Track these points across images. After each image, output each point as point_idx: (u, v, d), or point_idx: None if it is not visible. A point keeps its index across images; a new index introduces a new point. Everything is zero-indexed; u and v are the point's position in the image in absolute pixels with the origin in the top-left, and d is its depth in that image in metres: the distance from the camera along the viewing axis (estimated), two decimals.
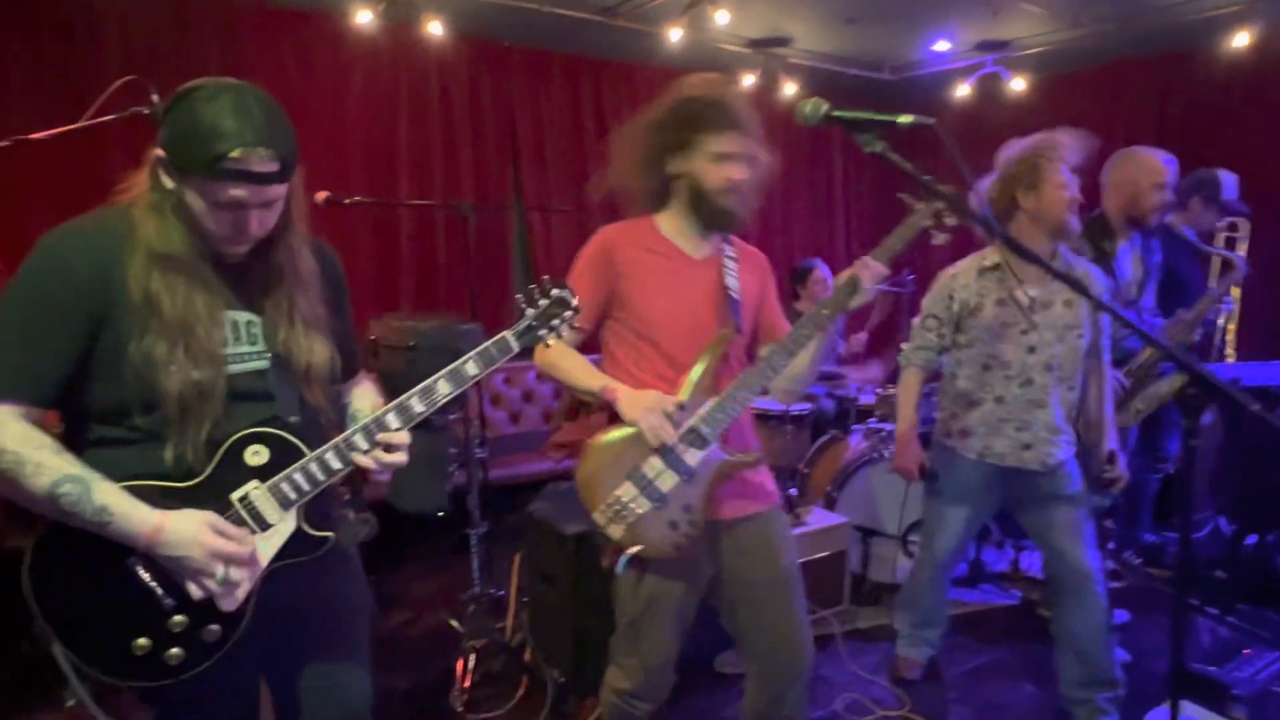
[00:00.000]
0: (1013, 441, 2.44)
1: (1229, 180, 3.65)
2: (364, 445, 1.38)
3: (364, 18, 3.87)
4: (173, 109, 1.23)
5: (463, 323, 2.82)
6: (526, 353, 1.54)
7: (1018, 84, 4.98)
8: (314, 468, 1.35)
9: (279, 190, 1.28)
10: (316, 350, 1.42)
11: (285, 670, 1.50)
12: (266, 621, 1.38)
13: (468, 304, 3.61)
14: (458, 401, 2.18)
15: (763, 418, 3.48)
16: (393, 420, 1.39)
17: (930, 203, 1.80)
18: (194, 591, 1.27)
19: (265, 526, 1.34)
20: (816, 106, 1.44)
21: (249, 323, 1.37)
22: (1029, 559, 3.62)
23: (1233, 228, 3.76)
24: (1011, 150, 2.44)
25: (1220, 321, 3.66)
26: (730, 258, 1.96)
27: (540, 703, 2.62)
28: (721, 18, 3.98)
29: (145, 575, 1.27)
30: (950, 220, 1.80)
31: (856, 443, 3.67)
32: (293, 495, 1.35)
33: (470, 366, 1.43)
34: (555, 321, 1.50)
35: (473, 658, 2.75)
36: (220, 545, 1.25)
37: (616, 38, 4.46)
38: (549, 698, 2.63)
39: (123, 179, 1.31)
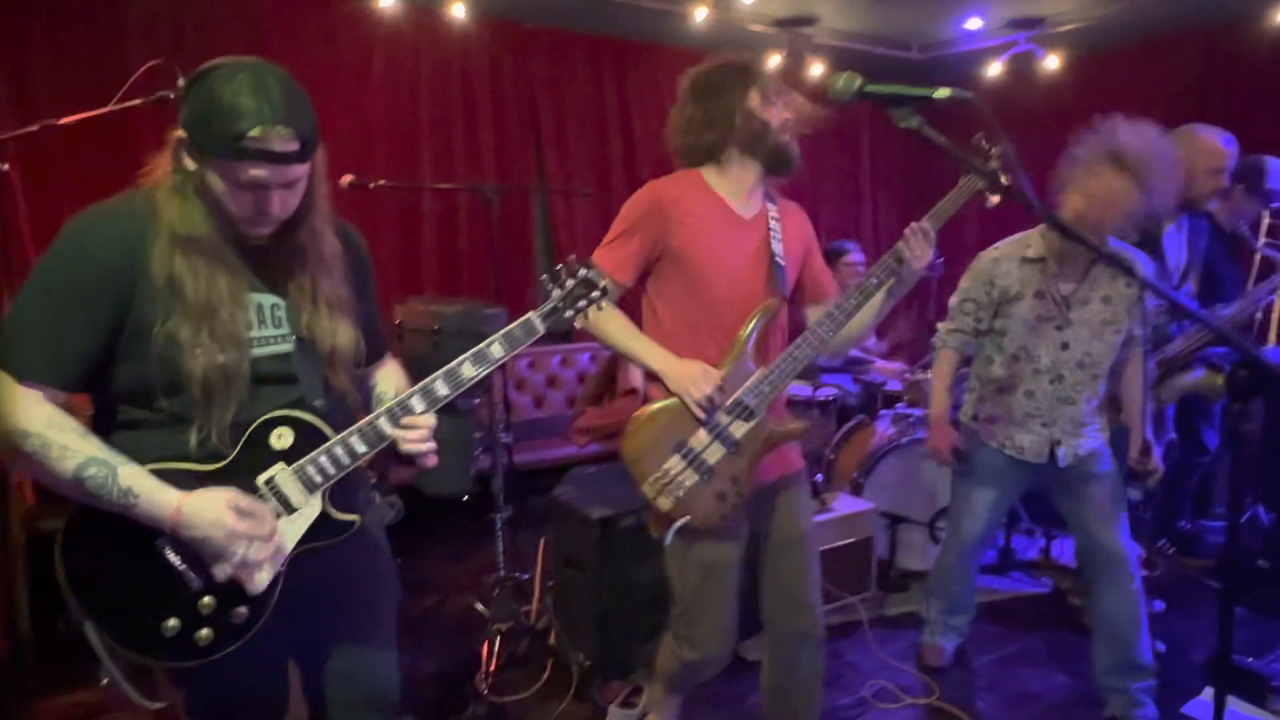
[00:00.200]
0: (1038, 437, 2.40)
1: (1276, 167, 3.52)
2: (389, 429, 1.37)
3: (386, 1, 3.85)
4: (192, 89, 1.22)
5: (487, 306, 2.81)
6: (551, 337, 1.52)
7: (1051, 62, 4.86)
8: (339, 451, 1.35)
9: (300, 170, 1.27)
10: (340, 333, 1.41)
11: (314, 652, 1.50)
12: (294, 604, 1.38)
13: (491, 287, 3.61)
14: (482, 385, 2.18)
15: (788, 403, 3.45)
16: (418, 403, 1.38)
17: (986, 161, 1.74)
18: (219, 572, 1.27)
19: (291, 510, 1.34)
20: (849, 81, 1.39)
21: (274, 306, 1.36)
22: (1060, 547, 3.57)
23: (1276, 215, 3.63)
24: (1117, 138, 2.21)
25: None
26: (774, 218, 1.93)
27: (565, 686, 2.63)
28: None
29: (173, 557, 1.27)
30: (1005, 180, 1.74)
31: (884, 428, 3.62)
32: (318, 479, 1.34)
33: (495, 349, 1.41)
34: (582, 303, 1.47)
35: (498, 641, 2.76)
36: (240, 526, 1.25)
37: (640, 18, 4.40)
38: (574, 681, 2.63)
39: (148, 163, 1.31)
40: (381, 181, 2.78)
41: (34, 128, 2.12)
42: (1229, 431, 1.22)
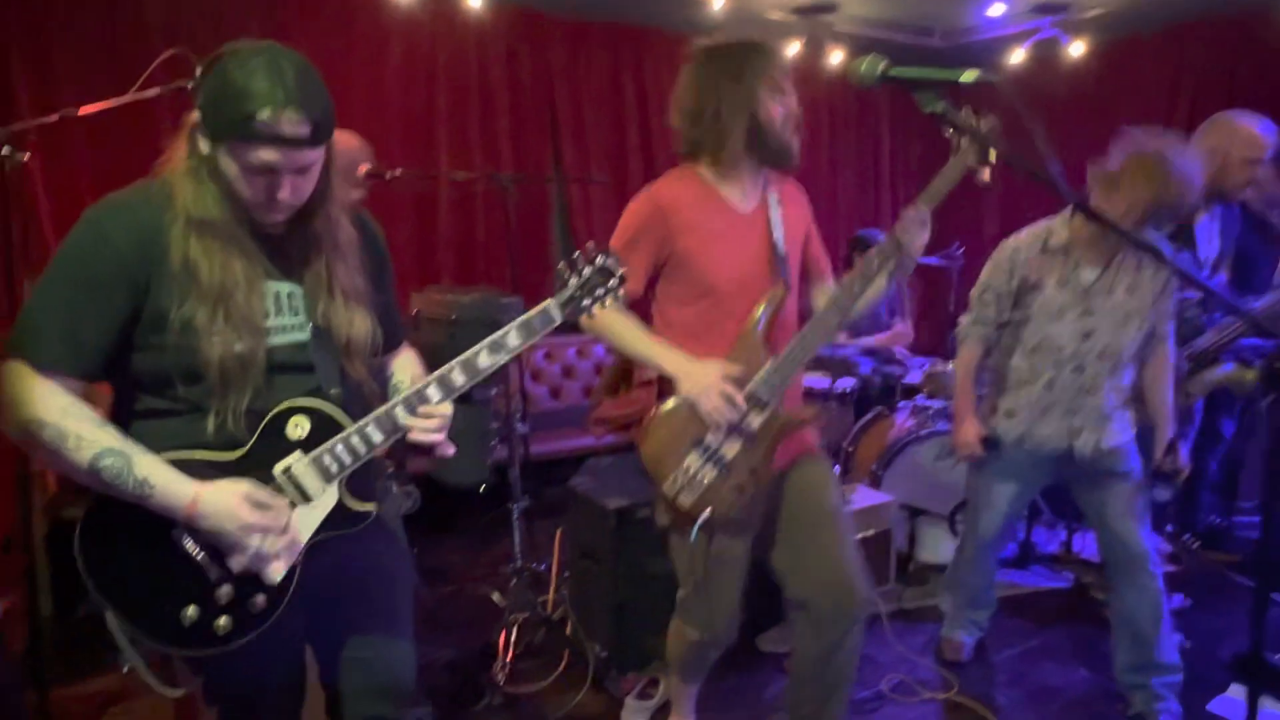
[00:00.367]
0: (1060, 427, 2.36)
1: None
2: (405, 417, 1.36)
3: None
4: (208, 72, 1.21)
5: (503, 296, 2.80)
6: (567, 327, 1.50)
7: (1077, 48, 4.78)
8: (355, 440, 1.34)
9: (312, 156, 1.25)
10: (357, 322, 1.40)
11: (331, 641, 1.50)
12: (312, 593, 1.38)
13: (508, 277, 3.59)
14: (499, 376, 2.17)
15: (806, 394, 3.42)
16: (434, 392, 1.37)
17: (973, 140, 1.70)
18: (235, 563, 1.27)
19: (308, 499, 1.33)
20: (873, 65, 1.36)
21: (290, 294, 1.36)
22: (1081, 540, 3.52)
23: None
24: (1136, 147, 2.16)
25: None
26: (773, 204, 1.92)
27: (582, 676, 2.62)
28: None
29: (191, 546, 1.27)
30: (994, 158, 1.72)
31: (903, 420, 3.58)
32: (334, 468, 1.34)
33: (512, 337, 1.39)
34: (599, 291, 1.44)
35: (514, 631, 2.76)
36: (254, 518, 1.25)
37: (657, 5, 4.36)
38: (590, 672, 2.63)
39: (166, 150, 1.30)
40: (398, 171, 2.77)
41: (53, 117, 2.11)
42: (1271, 426, 1.18)
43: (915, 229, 1.80)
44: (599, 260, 1.44)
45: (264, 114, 1.17)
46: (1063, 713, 2.50)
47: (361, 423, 1.35)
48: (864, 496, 3.15)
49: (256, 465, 1.29)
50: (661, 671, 2.52)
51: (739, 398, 1.75)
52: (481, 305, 2.72)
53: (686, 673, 2.19)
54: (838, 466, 3.44)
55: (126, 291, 1.22)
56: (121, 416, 1.28)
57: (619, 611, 2.62)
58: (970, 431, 2.49)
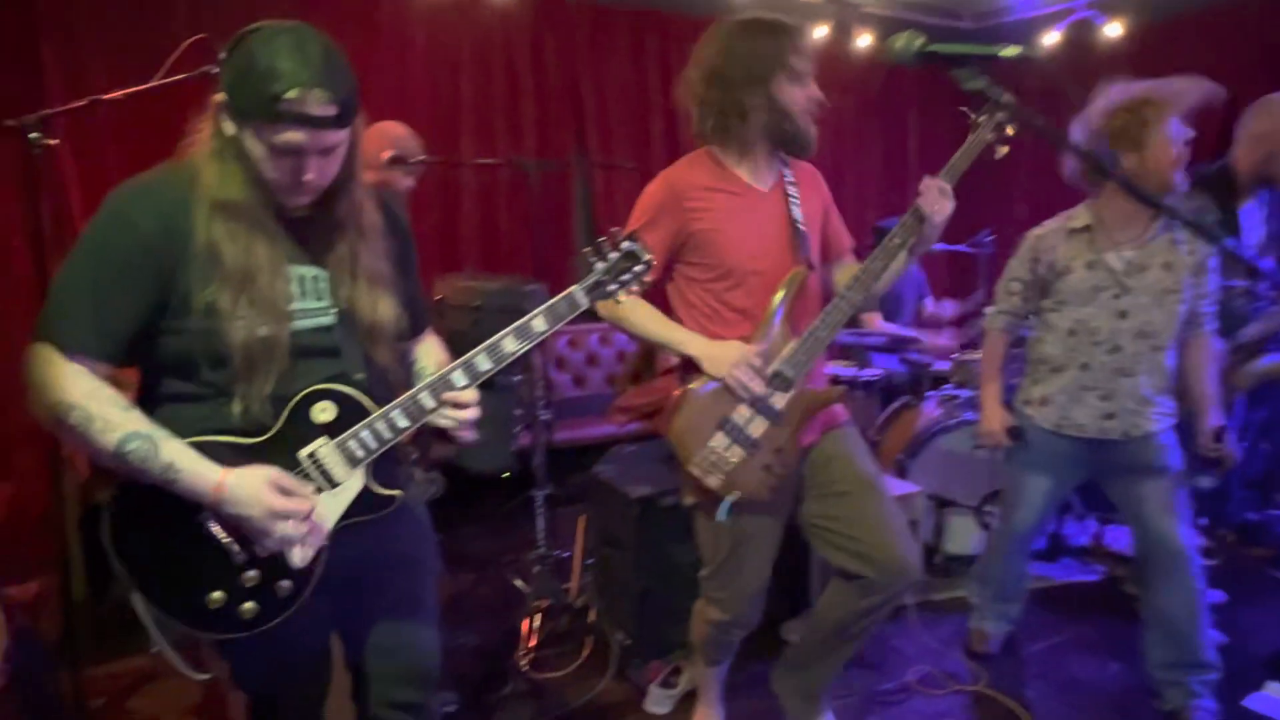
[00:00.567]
0: (1095, 411, 2.30)
1: None
2: (430, 403, 1.35)
3: None
4: (233, 52, 1.20)
5: (527, 283, 2.79)
6: (590, 315, 1.48)
7: (1113, 30, 4.65)
8: (381, 426, 1.33)
9: (337, 137, 1.24)
10: (381, 307, 1.39)
11: (356, 626, 1.50)
12: (338, 578, 1.38)
13: (530, 264, 3.58)
14: (523, 363, 2.17)
15: (831, 381, 3.38)
16: (459, 377, 1.36)
17: (993, 114, 1.69)
18: (261, 547, 1.27)
19: (333, 484, 1.33)
20: (910, 41, 1.32)
21: (315, 278, 1.35)
22: (1113, 534, 3.45)
23: None
24: (1112, 100, 2.22)
25: None
26: (791, 183, 1.90)
27: (604, 663, 2.62)
28: None
29: (218, 530, 1.27)
30: (1011, 131, 1.71)
31: (931, 409, 3.53)
32: (360, 453, 1.33)
33: (538, 322, 1.38)
34: (625, 276, 1.43)
35: (537, 618, 2.76)
36: (281, 504, 1.24)
37: None
38: (613, 659, 2.62)
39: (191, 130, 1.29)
40: (421, 157, 2.76)
41: (82, 102, 2.12)
42: None
43: (938, 199, 1.76)
44: (625, 245, 1.42)
45: (291, 94, 1.16)
46: (1094, 708, 2.46)
47: (387, 408, 1.34)
48: (890, 486, 3.10)
49: (282, 450, 1.29)
50: (685, 660, 2.51)
51: (762, 366, 1.75)
52: (505, 292, 2.72)
53: (711, 654, 2.18)
54: None
55: (152, 274, 1.22)
56: (148, 401, 1.28)
57: (642, 600, 2.61)
58: (995, 421, 2.45)
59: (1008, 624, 2.74)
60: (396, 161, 2.60)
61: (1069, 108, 1.54)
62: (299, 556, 1.29)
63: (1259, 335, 2.66)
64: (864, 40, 4.83)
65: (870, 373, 3.69)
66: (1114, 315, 2.25)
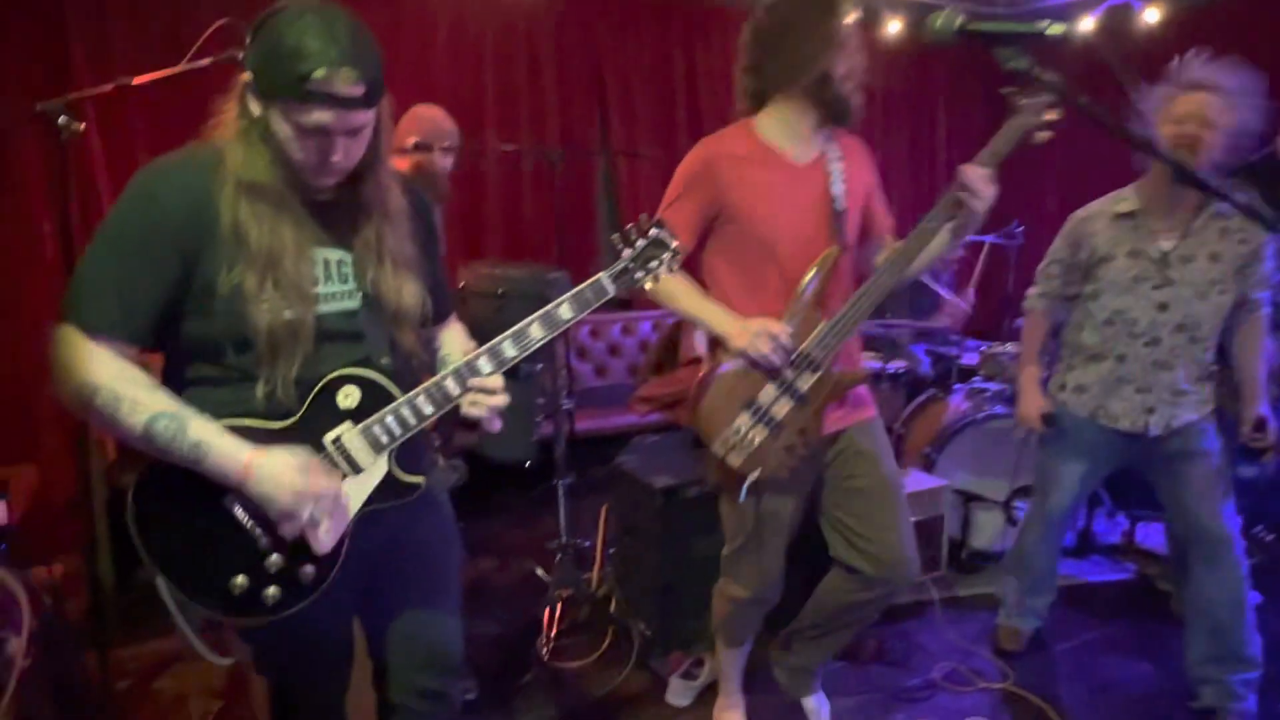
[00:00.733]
0: (1132, 404, 2.25)
1: None
2: (456, 390, 1.34)
3: None
4: (259, 31, 1.18)
5: (550, 270, 2.77)
6: (612, 304, 1.46)
7: (1151, 15, 4.53)
8: (405, 411, 1.32)
9: (365, 117, 1.22)
10: (406, 291, 1.37)
11: (379, 613, 1.50)
12: (361, 565, 1.37)
13: (554, 252, 3.56)
14: (545, 352, 2.15)
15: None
16: (485, 364, 1.35)
17: (1038, 95, 1.63)
18: (285, 531, 1.26)
19: (357, 470, 1.31)
20: (950, 19, 1.27)
21: (339, 261, 1.33)
22: (1144, 531, 3.38)
23: None
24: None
25: None
26: (835, 158, 1.86)
27: (625, 654, 2.61)
28: None
29: (242, 514, 1.26)
30: (1055, 116, 1.66)
31: (958, 402, 3.47)
32: (384, 439, 1.32)
33: (564, 310, 1.36)
34: (653, 264, 1.41)
35: (559, 607, 2.75)
36: (307, 488, 1.23)
37: None
38: (634, 649, 2.61)
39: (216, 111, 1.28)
40: (449, 142, 2.74)
41: (109, 87, 2.12)
42: None
43: (978, 184, 1.71)
44: (652, 232, 1.41)
45: (318, 73, 1.14)
46: (1125, 709, 2.41)
47: (412, 394, 1.33)
48: (915, 480, 3.07)
49: (306, 434, 1.28)
50: (707, 651, 2.49)
51: (785, 337, 1.74)
52: (529, 279, 2.70)
53: (732, 635, 2.16)
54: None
55: (176, 254, 1.21)
56: (172, 385, 1.27)
57: (664, 590, 2.59)
58: (1033, 406, 2.40)
59: (1036, 621, 2.69)
60: (420, 148, 2.58)
61: (1113, 91, 1.49)
62: (323, 542, 1.28)
63: None
64: (894, 27, 4.75)
65: (895, 365, 3.64)
66: (1154, 307, 2.19)
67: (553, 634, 2.68)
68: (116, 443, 2.88)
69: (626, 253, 1.39)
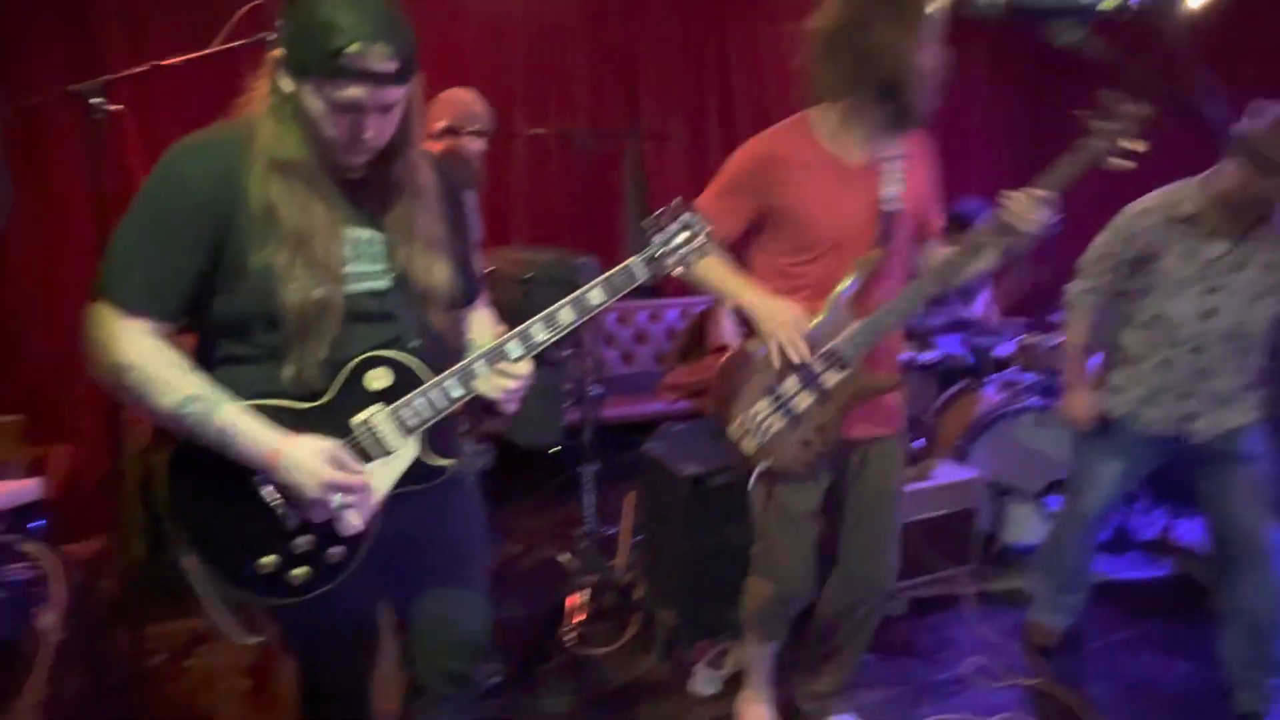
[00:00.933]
0: (1171, 412, 2.18)
1: None
2: (484, 373, 1.32)
3: None
4: (290, 6, 1.16)
5: (578, 256, 2.75)
6: (639, 291, 1.43)
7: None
8: (435, 394, 1.31)
9: (397, 94, 1.21)
10: (436, 271, 1.36)
11: (407, 595, 1.50)
12: (389, 547, 1.37)
13: (581, 237, 3.54)
14: (571, 338, 2.14)
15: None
16: (514, 348, 1.33)
17: (1114, 121, 1.56)
18: (313, 516, 1.26)
19: (386, 452, 1.31)
20: None
21: (370, 240, 1.32)
22: (1183, 527, 3.30)
23: None
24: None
25: None
26: (895, 157, 1.78)
27: (650, 642, 2.60)
28: None
29: (271, 495, 1.26)
30: (1136, 145, 1.55)
31: (992, 394, 3.41)
32: (414, 421, 1.31)
33: (595, 295, 1.35)
34: (684, 250, 1.39)
35: (584, 594, 2.75)
36: (334, 477, 1.23)
37: None
38: (659, 638, 2.60)
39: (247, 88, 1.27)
40: (478, 126, 2.72)
41: (142, 68, 2.13)
42: None
43: (1028, 209, 1.64)
44: (684, 218, 1.39)
45: (352, 48, 1.12)
46: (1161, 708, 2.36)
47: (442, 376, 1.31)
48: (946, 472, 3.01)
49: (335, 415, 1.27)
50: (733, 641, 2.47)
51: (813, 345, 1.73)
52: (557, 264, 2.69)
53: (763, 630, 2.13)
54: (922, 440, 3.29)
55: (208, 231, 1.20)
56: (204, 362, 1.27)
57: (690, 579, 2.57)
58: (1079, 406, 2.33)
59: (1069, 617, 2.63)
60: (449, 132, 2.57)
61: (1178, 69, 1.39)
62: (351, 525, 1.28)
63: None
64: (929, 9, 4.64)
65: (929, 355, 3.58)
66: (1199, 315, 2.12)
67: (577, 621, 2.67)
68: (151, 423, 2.93)
69: (657, 238, 1.38)
